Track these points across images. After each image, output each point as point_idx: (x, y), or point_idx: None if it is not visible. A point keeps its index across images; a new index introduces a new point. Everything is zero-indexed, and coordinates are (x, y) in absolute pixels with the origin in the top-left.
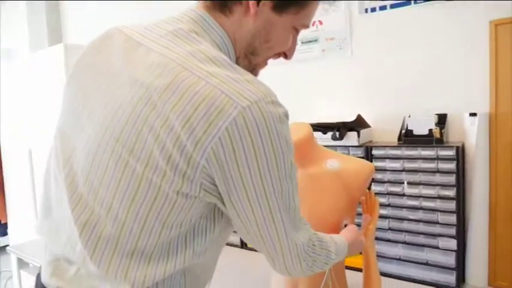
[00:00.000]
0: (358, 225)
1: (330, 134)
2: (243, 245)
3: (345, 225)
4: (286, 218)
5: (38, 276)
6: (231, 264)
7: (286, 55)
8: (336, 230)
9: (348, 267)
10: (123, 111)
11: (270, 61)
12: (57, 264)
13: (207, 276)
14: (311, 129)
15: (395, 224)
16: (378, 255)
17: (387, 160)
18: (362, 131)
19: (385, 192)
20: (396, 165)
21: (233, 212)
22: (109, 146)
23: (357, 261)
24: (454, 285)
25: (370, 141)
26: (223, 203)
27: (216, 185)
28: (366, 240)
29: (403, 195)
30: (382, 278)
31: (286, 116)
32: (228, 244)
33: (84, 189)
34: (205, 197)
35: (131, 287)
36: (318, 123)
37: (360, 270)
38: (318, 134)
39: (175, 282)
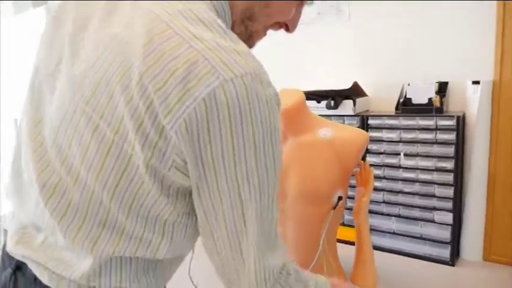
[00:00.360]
0: (352, 197)
1: (324, 102)
2: None
3: (339, 198)
4: (260, 224)
5: (4, 246)
6: None
7: (287, 27)
8: (329, 202)
9: (339, 241)
10: (97, 69)
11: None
12: (24, 232)
13: (181, 257)
14: (303, 95)
15: (390, 197)
16: (371, 229)
17: (384, 130)
18: (358, 100)
19: (381, 164)
20: (393, 135)
21: (200, 211)
22: (79, 107)
23: (349, 234)
24: (448, 260)
25: (367, 111)
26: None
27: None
28: (359, 213)
29: (399, 167)
30: (375, 251)
31: (276, 99)
32: None
33: (52, 153)
34: (175, 176)
35: (99, 258)
36: (311, 91)
37: (352, 243)
38: (311, 103)
39: (146, 261)
